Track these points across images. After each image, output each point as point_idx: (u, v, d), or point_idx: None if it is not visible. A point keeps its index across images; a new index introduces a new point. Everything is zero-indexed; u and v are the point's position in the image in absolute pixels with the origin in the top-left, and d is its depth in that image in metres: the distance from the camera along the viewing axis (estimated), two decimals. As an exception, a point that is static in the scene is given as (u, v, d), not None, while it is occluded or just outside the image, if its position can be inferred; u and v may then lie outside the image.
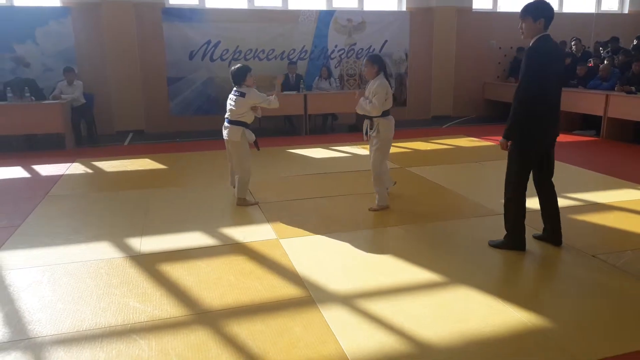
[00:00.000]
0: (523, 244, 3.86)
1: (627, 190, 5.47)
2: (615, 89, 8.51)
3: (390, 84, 4.77)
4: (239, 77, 4.97)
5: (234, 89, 5.03)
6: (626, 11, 12.39)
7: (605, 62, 9.31)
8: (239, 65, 5.09)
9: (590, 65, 9.61)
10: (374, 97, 4.67)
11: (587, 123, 9.19)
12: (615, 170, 6.36)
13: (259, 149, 5.19)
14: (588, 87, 9.10)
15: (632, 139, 8.42)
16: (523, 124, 3.54)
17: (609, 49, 10.32)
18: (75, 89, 8.58)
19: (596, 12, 12.20)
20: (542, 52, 3.46)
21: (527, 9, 3.55)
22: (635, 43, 10.44)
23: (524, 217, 3.81)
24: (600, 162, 6.82)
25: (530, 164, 3.72)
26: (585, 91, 8.96)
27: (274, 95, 5.09)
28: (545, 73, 3.45)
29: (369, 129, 4.86)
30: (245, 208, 5.01)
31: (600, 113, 8.58)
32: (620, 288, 3.32)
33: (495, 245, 3.93)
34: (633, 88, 8.22)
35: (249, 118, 4.99)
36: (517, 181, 3.74)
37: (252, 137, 4.98)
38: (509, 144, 3.71)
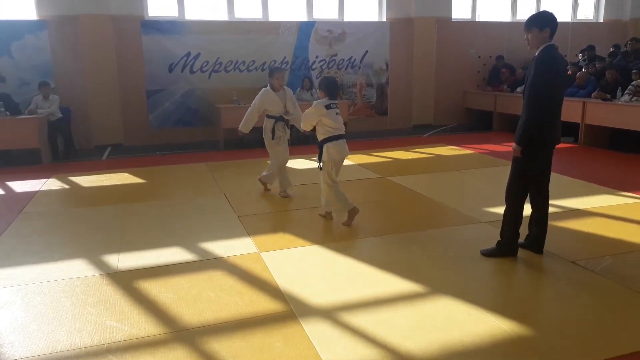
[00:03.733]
0: (516, 250, 3.90)
1: (605, 196, 5.53)
2: (592, 96, 8.65)
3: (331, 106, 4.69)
4: (338, 91, 5.01)
5: (332, 101, 4.70)
6: (601, 20, 12.65)
7: (583, 70, 9.47)
8: (333, 76, 5.06)
9: (568, 73, 9.76)
10: (296, 105, 5.68)
11: (565, 130, 9.30)
12: (593, 176, 6.44)
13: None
14: (565, 95, 9.22)
15: (609, 145, 8.55)
16: (534, 129, 3.59)
17: (585, 56, 10.50)
18: (52, 103, 8.45)
19: (572, 21, 12.44)
20: (550, 60, 3.54)
21: (532, 20, 3.62)
22: (611, 51, 10.65)
23: (520, 224, 3.85)
24: (578, 169, 6.91)
25: (537, 169, 3.75)
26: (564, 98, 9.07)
27: None
28: (554, 80, 3.54)
29: (286, 131, 5.73)
30: (226, 222, 4.95)
31: (577, 120, 8.70)
32: (601, 294, 3.33)
33: (487, 253, 3.93)
34: (609, 95, 8.37)
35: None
36: (521, 188, 3.79)
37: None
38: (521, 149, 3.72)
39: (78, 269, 3.89)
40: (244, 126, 5.73)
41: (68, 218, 5.25)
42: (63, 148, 8.87)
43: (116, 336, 2.92)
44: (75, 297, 3.42)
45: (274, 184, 5.98)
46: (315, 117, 4.68)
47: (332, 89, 4.74)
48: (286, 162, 5.80)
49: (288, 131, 5.75)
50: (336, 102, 4.79)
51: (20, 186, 6.60)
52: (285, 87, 5.71)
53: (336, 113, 4.70)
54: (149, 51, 9.50)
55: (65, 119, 8.78)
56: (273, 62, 10.21)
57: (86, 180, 6.83)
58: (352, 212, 4.76)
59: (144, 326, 3.03)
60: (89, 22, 9.09)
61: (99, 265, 3.95)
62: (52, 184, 6.70)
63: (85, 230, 4.85)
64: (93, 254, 4.18)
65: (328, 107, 4.65)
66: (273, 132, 5.62)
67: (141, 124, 9.72)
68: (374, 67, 10.93)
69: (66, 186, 6.60)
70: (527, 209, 3.90)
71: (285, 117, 5.68)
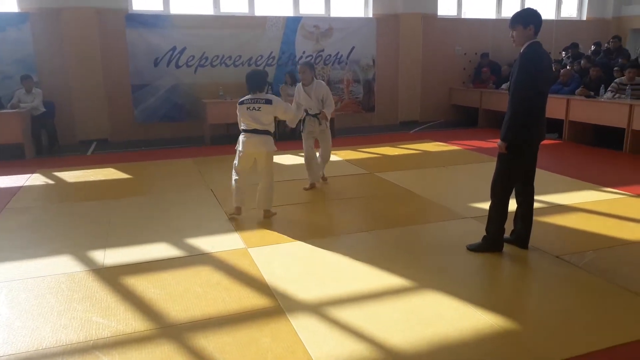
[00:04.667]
0: (502, 245, 3.95)
1: (589, 192, 5.62)
2: (576, 93, 8.76)
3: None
4: (261, 83, 4.69)
5: (252, 96, 4.65)
6: (584, 18, 12.80)
7: (567, 67, 9.59)
8: (256, 69, 5.04)
9: (553, 70, 9.87)
10: (327, 98, 5.66)
11: (549, 126, 9.41)
12: (577, 172, 6.53)
13: None
14: (550, 92, 9.32)
15: (593, 142, 8.67)
16: (519, 125, 3.62)
17: (569, 54, 10.63)
18: (35, 97, 8.32)
19: (556, 18, 12.57)
20: (535, 56, 3.57)
21: (516, 17, 3.64)
22: (593, 49, 10.79)
23: (506, 219, 3.89)
24: (563, 165, 7.00)
25: (522, 165, 3.79)
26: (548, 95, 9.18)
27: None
28: (538, 77, 3.57)
29: (318, 125, 5.78)
30: (213, 217, 4.93)
31: (561, 117, 8.81)
32: (584, 288, 3.39)
33: (473, 249, 3.97)
34: (592, 93, 8.48)
35: (273, 127, 4.78)
36: (507, 184, 3.82)
37: (274, 147, 4.81)
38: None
39: (63, 265, 3.85)
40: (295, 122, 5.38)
41: (53, 213, 5.19)
42: (47, 143, 8.75)
43: (102, 332, 2.90)
44: (60, 293, 3.39)
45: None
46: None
47: (248, 84, 4.68)
48: (311, 156, 5.85)
49: (318, 125, 5.81)
50: (252, 97, 4.65)
51: (3, 181, 6.49)
52: (315, 80, 5.69)
53: (247, 109, 4.61)
54: (134, 45, 9.40)
55: (49, 114, 8.65)
56: (259, 57, 10.17)
57: (71, 176, 6.75)
58: (237, 210, 4.86)
59: (130, 322, 3.01)
60: (73, 15, 8.95)
61: (85, 261, 3.92)
62: (36, 179, 6.61)
63: (70, 225, 4.80)
64: (79, 249, 4.14)
65: (241, 102, 4.69)
66: (303, 125, 5.80)
67: (126, 119, 9.61)
68: (360, 63, 10.93)
69: (51, 181, 6.52)
70: (513, 205, 3.95)
71: (309, 112, 5.77)
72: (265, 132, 4.67)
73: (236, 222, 4.76)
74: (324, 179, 6.20)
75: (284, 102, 4.91)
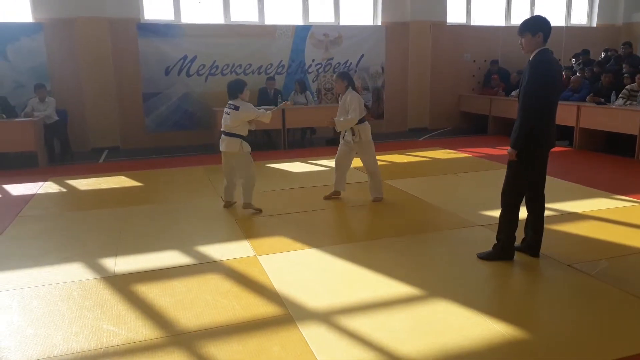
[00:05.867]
0: (513, 253, 3.93)
1: (600, 200, 5.57)
2: (587, 100, 8.71)
3: (360, 94, 5.48)
4: (235, 91, 5.15)
5: (229, 102, 5.18)
6: (594, 24, 12.74)
7: (577, 74, 9.54)
8: (236, 78, 5.31)
9: (562, 77, 9.83)
10: (351, 109, 5.29)
11: (560, 133, 9.36)
12: (588, 179, 6.48)
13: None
14: (560, 99, 9.28)
15: (603, 149, 8.60)
16: (530, 133, 3.62)
17: (580, 61, 10.58)
18: (48, 105, 8.43)
19: (566, 25, 12.52)
20: (544, 64, 3.57)
21: (525, 25, 3.65)
22: (603, 55, 10.73)
23: (516, 227, 3.87)
24: (574, 172, 6.95)
25: (533, 173, 3.77)
26: (558, 102, 9.14)
27: (270, 111, 5.43)
28: (548, 84, 3.57)
29: (351, 136, 5.47)
30: (223, 225, 4.96)
31: (572, 124, 8.76)
32: (597, 297, 3.35)
33: (484, 257, 3.95)
34: (602, 99, 8.42)
35: (243, 131, 5.20)
36: (517, 191, 3.81)
37: (248, 148, 5.23)
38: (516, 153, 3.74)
39: (75, 272, 3.88)
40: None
41: (65, 221, 5.24)
42: (59, 151, 8.85)
43: (113, 340, 2.92)
44: (72, 300, 3.41)
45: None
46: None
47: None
48: (339, 163, 5.67)
49: (351, 135, 5.48)
50: (228, 103, 5.20)
51: (16, 189, 6.58)
52: (348, 91, 5.39)
53: (225, 113, 5.19)
54: (145, 54, 9.50)
55: (62, 122, 8.76)
56: (269, 66, 10.24)
57: (83, 184, 6.82)
58: (226, 203, 5.51)
59: (141, 330, 3.03)
60: (85, 24, 9.08)
61: (96, 268, 3.95)
62: (48, 187, 6.69)
63: (82, 233, 4.84)
64: (90, 257, 4.17)
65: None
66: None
67: (138, 127, 9.71)
68: (370, 71, 10.96)
69: (63, 189, 6.59)
70: (523, 213, 3.93)
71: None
72: (233, 135, 5.16)
73: (246, 229, 4.78)
74: (377, 199, 5.69)
75: (253, 108, 5.23)
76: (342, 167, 5.70)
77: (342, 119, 5.37)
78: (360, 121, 5.39)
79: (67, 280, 3.73)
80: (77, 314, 3.23)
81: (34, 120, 7.98)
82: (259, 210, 5.33)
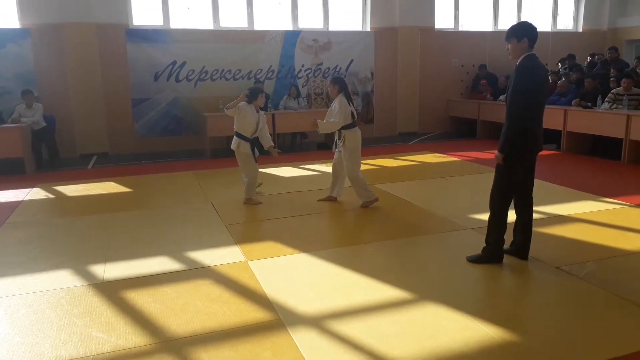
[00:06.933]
0: (502, 256, 3.95)
1: (588, 202, 5.63)
2: (573, 104, 8.81)
3: (351, 101, 5.49)
4: (250, 97, 5.71)
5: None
6: (580, 29, 12.90)
7: (563, 78, 9.65)
8: (255, 86, 5.92)
9: (549, 82, 9.93)
10: (334, 114, 5.37)
11: (548, 137, 9.44)
12: (575, 182, 6.55)
13: (255, 161, 5.82)
14: (547, 103, 9.38)
15: (590, 152, 8.70)
16: (517, 137, 3.65)
17: (566, 65, 10.70)
18: (35, 111, 8.36)
19: (552, 30, 12.67)
20: (529, 69, 3.62)
21: (510, 31, 3.70)
22: (589, 60, 10.87)
23: (505, 231, 3.90)
24: (561, 175, 7.02)
25: (520, 176, 3.81)
26: (545, 106, 9.23)
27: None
28: (534, 89, 3.61)
29: (337, 141, 5.53)
30: (213, 230, 4.94)
31: (559, 127, 8.85)
32: (585, 299, 3.39)
33: (473, 260, 3.97)
34: (589, 103, 8.53)
35: (244, 131, 5.69)
36: (505, 195, 3.84)
37: (245, 149, 5.68)
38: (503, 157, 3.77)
39: (63, 279, 3.84)
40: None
41: (53, 228, 5.19)
42: (47, 157, 8.78)
43: (103, 347, 2.90)
44: (60, 308, 3.38)
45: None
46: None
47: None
48: (334, 168, 5.74)
49: (339, 141, 5.54)
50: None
51: (3, 196, 6.51)
52: (338, 96, 5.46)
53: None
54: (134, 60, 9.47)
55: (50, 128, 8.69)
56: (259, 71, 10.25)
57: (71, 190, 6.76)
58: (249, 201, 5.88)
59: (131, 337, 3.00)
60: (73, 30, 9.03)
61: (85, 275, 3.92)
62: (36, 193, 6.62)
63: (70, 240, 4.80)
64: (79, 264, 4.14)
65: None
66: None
67: (127, 132, 9.66)
68: (359, 76, 11.01)
69: (51, 196, 6.53)
70: (512, 216, 3.96)
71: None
72: (235, 134, 5.75)
73: (236, 235, 4.77)
74: (364, 204, 5.60)
75: (239, 109, 5.61)
76: (336, 172, 5.75)
77: (324, 122, 5.43)
78: (349, 126, 5.39)
79: (56, 288, 3.70)
80: (66, 321, 3.20)
81: (21, 126, 7.91)
82: (260, 203, 5.82)
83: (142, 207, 5.89)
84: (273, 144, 5.94)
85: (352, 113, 5.42)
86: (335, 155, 5.68)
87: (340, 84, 5.49)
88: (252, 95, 5.71)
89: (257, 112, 5.77)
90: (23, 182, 7.28)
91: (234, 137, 5.76)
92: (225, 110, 5.70)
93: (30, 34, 8.90)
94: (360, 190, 5.57)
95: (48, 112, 8.73)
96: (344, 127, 5.39)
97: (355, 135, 5.46)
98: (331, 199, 5.86)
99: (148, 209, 5.78)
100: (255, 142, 5.78)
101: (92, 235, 4.91)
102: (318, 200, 5.86)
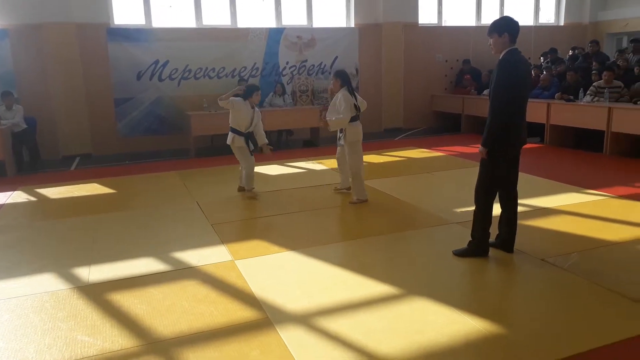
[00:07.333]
0: (487, 249, 3.97)
1: (571, 194, 5.69)
2: (555, 97, 8.90)
3: (354, 93, 5.51)
4: (246, 95, 5.80)
5: None
6: (562, 23, 13.03)
7: (544, 72, 9.74)
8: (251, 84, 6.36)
9: (532, 75, 10.01)
10: (341, 109, 5.34)
11: (531, 130, 9.53)
12: (559, 175, 6.62)
13: (251, 154, 5.96)
14: (530, 96, 9.46)
15: (573, 144, 8.80)
16: (500, 131, 3.68)
17: (548, 59, 10.80)
18: (15, 113, 8.22)
19: (534, 24, 12.78)
20: (511, 63, 3.64)
21: (492, 26, 3.74)
22: (571, 53, 10.98)
23: (490, 224, 3.92)
24: (545, 168, 7.09)
25: (504, 170, 3.83)
26: (529, 100, 9.32)
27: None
28: (516, 84, 3.63)
29: (340, 135, 5.64)
30: (199, 230, 4.90)
31: (542, 120, 8.94)
32: (570, 290, 3.42)
33: (459, 253, 3.99)
34: (571, 97, 8.62)
35: (237, 126, 5.80)
36: (490, 188, 3.87)
37: (238, 143, 5.81)
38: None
39: (47, 283, 3.79)
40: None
41: (36, 231, 5.11)
42: (29, 160, 8.64)
43: (88, 351, 2.86)
44: (44, 312, 3.33)
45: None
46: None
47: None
48: (338, 162, 6.02)
49: (341, 135, 5.67)
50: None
51: (-17, 200, 6.40)
52: (340, 91, 5.46)
53: None
54: (116, 59, 9.35)
55: (31, 130, 8.54)
56: (243, 69, 10.19)
57: (54, 192, 6.67)
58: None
59: (116, 339, 2.97)
60: (53, 30, 8.89)
61: (69, 278, 3.86)
62: (18, 196, 6.52)
63: (54, 243, 4.73)
64: (63, 267, 4.08)
65: None
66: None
67: (110, 133, 9.54)
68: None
69: (33, 198, 6.43)
70: (497, 209, 3.98)
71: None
72: (230, 129, 5.87)
73: (223, 234, 4.74)
74: (357, 201, 5.62)
75: (232, 102, 5.73)
76: (340, 165, 5.95)
77: (334, 119, 5.39)
78: (351, 120, 5.42)
79: (39, 292, 3.64)
80: (50, 325, 3.16)
81: (1, 129, 7.77)
82: (257, 195, 5.99)
83: (126, 208, 5.83)
84: (267, 141, 6.04)
85: (355, 106, 5.45)
86: (338, 149, 5.86)
87: (343, 78, 5.45)
88: (247, 92, 5.81)
89: (252, 108, 5.85)
90: (4, 185, 7.16)
91: (229, 132, 5.85)
92: (218, 101, 5.79)
93: (9, 35, 8.74)
94: (358, 187, 5.60)
95: (29, 114, 8.58)
96: None
97: (356, 130, 5.50)
98: (348, 189, 5.96)
99: (133, 210, 5.72)
100: (250, 137, 5.89)
101: (76, 237, 4.84)
102: (334, 190, 6.12)
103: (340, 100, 5.35)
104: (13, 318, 3.27)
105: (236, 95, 5.82)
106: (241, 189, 6.21)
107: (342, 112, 5.32)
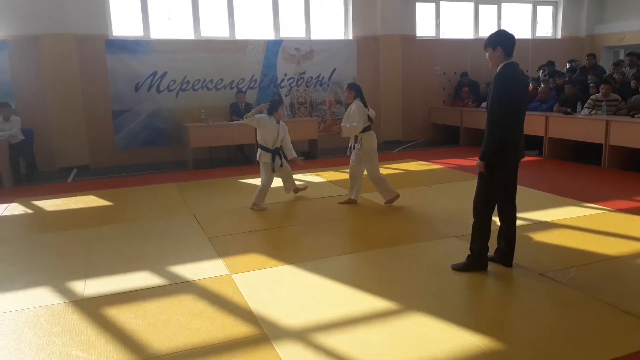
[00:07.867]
0: (486, 264, 3.95)
1: (570, 208, 5.68)
2: (554, 110, 8.93)
3: (367, 105, 5.78)
4: (270, 110, 5.95)
5: None
6: (559, 36, 13.12)
7: (542, 85, 9.77)
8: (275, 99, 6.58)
9: (530, 89, 10.05)
10: (355, 119, 5.63)
11: (530, 143, 9.56)
12: (558, 188, 6.61)
13: (273, 170, 6.04)
14: (528, 109, 9.49)
15: (572, 157, 8.81)
16: (497, 144, 3.67)
17: (546, 72, 10.85)
18: (13, 125, 8.21)
19: (532, 37, 12.86)
20: (508, 77, 3.65)
21: (487, 41, 3.77)
22: (568, 66, 11.03)
23: (489, 238, 3.90)
24: (544, 181, 7.09)
25: (503, 183, 3.82)
26: (527, 113, 9.34)
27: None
28: (513, 97, 3.64)
29: (354, 144, 5.85)
30: (196, 244, 4.87)
31: (541, 133, 8.95)
32: (569, 305, 3.40)
33: (458, 268, 3.97)
34: (569, 109, 8.65)
35: (264, 141, 5.96)
36: (488, 202, 3.85)
37: (263, 158, 5.96)
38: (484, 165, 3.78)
39: (42, 297, 3.75)
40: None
41: (32, 244, 5.07)
42: (25, 171, 8.61)
43: (82, 367, 2.82)
44: (39, 327, 3.29)
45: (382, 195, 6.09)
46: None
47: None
48: (351, 172, 6.05)
49: (355, 145, 5.90)
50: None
51: (-21, 212, 6.36)
52: (354, 101, 5.81)
53: None
54: (114, 71, 9.37)
55: (28, 141, 8.53)
56: (241, 81, 10.21)
57: (51, 204, 6.63)
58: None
59: (111, 355, 2.93)
60: (51, 41, 8.91)
61: (65, 292, 3.82)
62: (14, 208, 6.48)
63: (49, 256, 4.69)
64: (58, 281, 4.04)
65: None
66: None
67: (107, 144, 9.53)
68: (342, 85, 10.98)
69: (29, 211, 6.40)
70: (496, 223, 3.97)
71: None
72: (259, 146, 6.04)
73: (220, 248, 4.71)
74: (389, 202, 5.99)
75: (256, 118, 5.89)
76: (353, 175, 6.01)
77: (347, 125, 5.70)
78: (365, 130, 5.72)
79: (34, 306, 3.60)
80: (45, 340, 3.12)
81: (-2, 140, 7.75)
82: (264, 209, 5.96)
83: (123, 220, 5.79)
84: (296, 154, 6.31)
85: (368, 116, 5.75)
86: (352, 158, 5.95)
87: (356, 90, 5.81)
88: (272, 108, 5.98)
89: (278, 123, 6.01)
90: (0, 197, 7.12)
91: (258, 148, 6.05)
92: (244, 119, 6.02)
93: (7, 45, 8.76)
94: (383, 189, 5.92)
95: (26, 125, 8.58)
96: (361, 131, 5.71)
97: (371, 138, 5.83)
98: (351, 202, 6.09)
99: (129, 223, 5.68)
100: (278, 153, 6.06)
101: (72, 250, 4.80)
102: (339, 203, 6.10)
103: (354, 110, 5.68)
104: (7, 333, 3.23)
105: (261, 112, 5.95)
106: (296, 190, 6.50)
107: (356, 121, 5.64)
